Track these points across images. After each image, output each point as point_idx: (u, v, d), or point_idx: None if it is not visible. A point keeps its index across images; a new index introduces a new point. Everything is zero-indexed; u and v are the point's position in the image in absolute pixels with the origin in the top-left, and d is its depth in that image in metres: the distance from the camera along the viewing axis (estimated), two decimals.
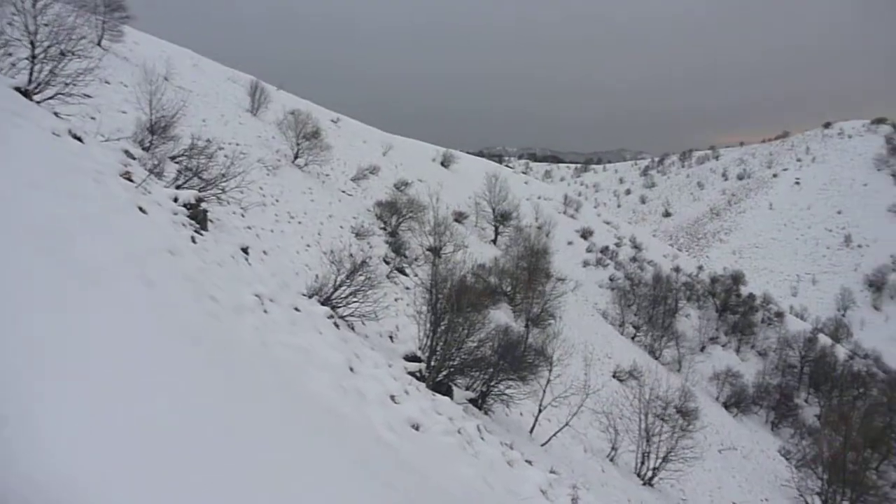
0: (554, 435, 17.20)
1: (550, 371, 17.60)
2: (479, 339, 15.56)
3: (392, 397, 9.13)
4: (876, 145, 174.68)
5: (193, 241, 9.29)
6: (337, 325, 11.62)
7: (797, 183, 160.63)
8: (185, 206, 10.46)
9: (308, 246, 20.68)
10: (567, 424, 18.13)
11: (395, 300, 20.16)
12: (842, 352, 66.56)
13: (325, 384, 7.58)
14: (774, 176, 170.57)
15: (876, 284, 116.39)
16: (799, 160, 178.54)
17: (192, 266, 7.76)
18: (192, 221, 10.22)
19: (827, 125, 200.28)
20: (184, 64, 40.59)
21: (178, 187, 12.26)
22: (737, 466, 31.60)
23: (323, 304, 12.90)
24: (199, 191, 12.81)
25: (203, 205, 11.30)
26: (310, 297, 12.99)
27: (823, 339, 66.31)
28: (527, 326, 29.03)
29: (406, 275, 24.93)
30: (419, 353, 14.99)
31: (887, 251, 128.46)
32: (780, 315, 69.71)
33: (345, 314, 13.47)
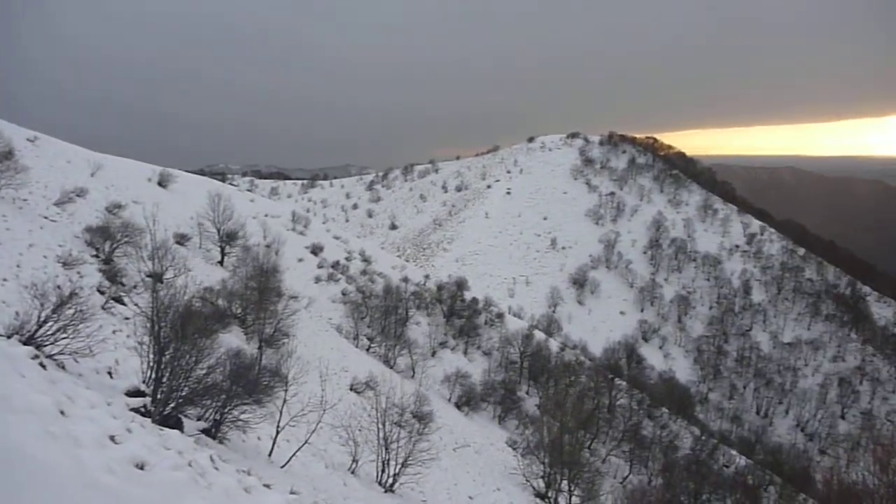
0: (293, 455, 16.93)
1: (286, 391, 17.29)
2: (208, 366, 14.83)
3: (112, 437, 8.40)
4: (572, 157, 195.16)
5: None
6: (44, 366, 10.47)
7: (508, 193, 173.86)
8: None
9: (5, 280, 18.41)
10: (306, 442, 17.95)
11: (113, 332, 18.62)
12: (554, 345, 73.04)
13: (30, 433, 6.78)
14: (489, 187, 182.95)
15: (579, 282, 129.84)
16: (509, 172, 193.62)
17: None
18: None
19: (531, 139, 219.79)
20: None
21: None
22: (470, 462, 33.35)
23: (25, 343, 11.54)
24: None
25: None
26: (8, 337, 11.57)
27: (539, 335, 72.20)
28: (260, 348, 28.30)
29: (124, 304, 23.12)
30: (143, 387, 13.95)
31: (586, 251, 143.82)
32: (500, 316, 74.81)
33: (53, 353, 12.16)
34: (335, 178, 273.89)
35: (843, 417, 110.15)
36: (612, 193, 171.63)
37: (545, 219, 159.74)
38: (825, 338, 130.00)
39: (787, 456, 77.38)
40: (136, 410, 11.75)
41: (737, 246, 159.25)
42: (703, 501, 41.66)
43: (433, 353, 57.60)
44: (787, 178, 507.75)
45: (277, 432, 17.22)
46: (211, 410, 15.41)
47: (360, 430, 21.21)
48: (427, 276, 78.75)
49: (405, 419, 25.76)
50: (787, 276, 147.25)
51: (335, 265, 64.60)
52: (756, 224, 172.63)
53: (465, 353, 62.54)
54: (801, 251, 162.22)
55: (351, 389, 32.32)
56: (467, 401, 46.88)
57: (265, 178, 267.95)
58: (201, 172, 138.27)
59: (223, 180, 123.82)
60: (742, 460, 60.51)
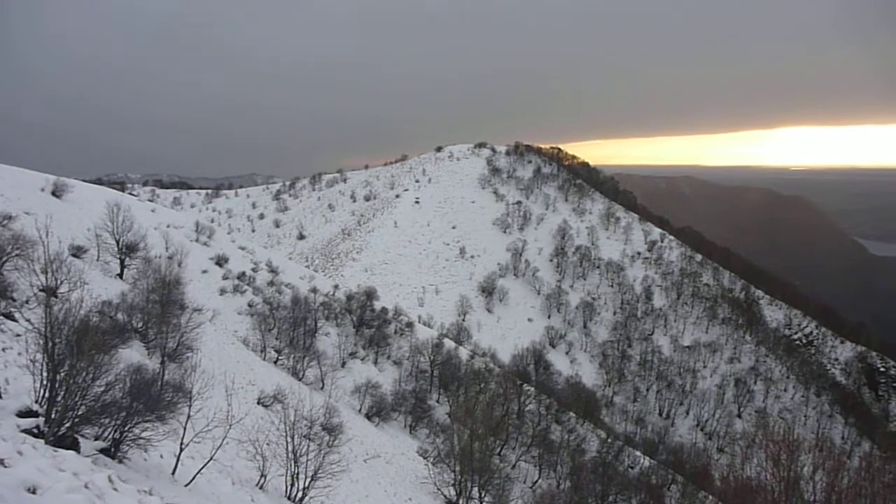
0: (198, 472, 16.46)
1: (190, 406, 16.79)
2: (107, 383, 14.25)
3: (1, 461, 7.98)
4: (479, 167, 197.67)
5: None
6: None
7: (417, 202, 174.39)
8: None
9: None
10: (212, 459, 17.47)
11: (3, 350, 17.71)
12: (464, 353, 73.60)
13: None
14: (397, 196, 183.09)
15: (487, 290, 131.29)
16: (417, 181, 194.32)
17: None
18: None
19: (439, 149, 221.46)
20: None
21: None
22: (382, 472, 33.21)
23: None
24: None
25: None
26: None
27: (449, 343, 72.62)
28: (162, 363, 27.38)
29: (15, 320, 21.98)
30: (36, 407, 13.29)
31: (494, 259, 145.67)
32: (410, 325, 74.87)
33: None
34: (240, 187, 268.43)
35: (739, 416, 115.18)
36: (519, 202, 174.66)
37: (454, 227, 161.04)
38: (722, 340, 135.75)
39: (688, 455, 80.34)
40: (27, 432, 11.19)
41: (638, 253, 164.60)
42: (609, 503, 42.78)
43: (343, 364, 57.09)
44: (684, 188, 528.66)
45: (181, 449, 16.69)
46: (110, 429, 14.79)
47: (268, 444, 20.81)
48: (336, 286, 78.04)
49: (315, 432, 25.42)
50: (685, 281, 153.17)
51: (241, 276, 63.23)
52: (656, 232, 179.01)
53: (376, 363, 62.25)
54: (699, 257, 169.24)
55: (258, 403, 31.65)
56: (378, 411, 46.65)
57: (167, 188, 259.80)
58: (99, 182, 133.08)
59: (122, 190, 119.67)
60: (646, 461, 62.46)
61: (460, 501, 31.71)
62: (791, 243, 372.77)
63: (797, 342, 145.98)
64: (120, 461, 14.73)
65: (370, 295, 74.57)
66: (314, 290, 68.90)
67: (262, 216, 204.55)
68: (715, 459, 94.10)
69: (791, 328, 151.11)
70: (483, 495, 31.26)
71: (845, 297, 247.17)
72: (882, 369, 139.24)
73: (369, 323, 68.14)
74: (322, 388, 46.35)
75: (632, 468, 58.00)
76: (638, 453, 65.77)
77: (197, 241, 66.97)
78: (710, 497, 48.05)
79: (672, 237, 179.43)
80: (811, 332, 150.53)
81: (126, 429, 14.99)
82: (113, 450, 14.78)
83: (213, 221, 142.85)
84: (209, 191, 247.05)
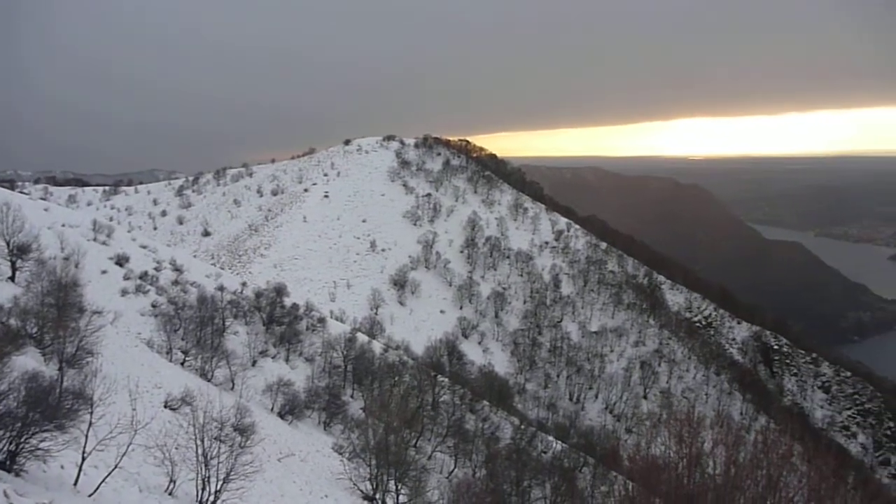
0: (102, 482, 15.83)
1: (92, 413, 16.13)
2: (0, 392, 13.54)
3: None
4: (388, 160, 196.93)
5: None
6: None
7: (326, 196, 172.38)
8: None
9: None
10: (117, 466, 16.84)
11: None
12: (378, 346, 73.32)
13: None
14: (305, 191, 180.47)
15: (399, 283, 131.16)
16: (326, 175, 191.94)
17: None
18: None
19: (347, 142, 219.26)
20: None
21: None
22: (296, 471, 32.79)
23: None
24: None
25: None
26: None
27: (362, 338, 72.20)
28: (60, 369, 26.18)
29: None
30: None
31: (405, 252, 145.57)
32: (322, 321, 73.99)
33: None
34: (141, 183, 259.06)
35: (645, 397, 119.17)
36: (429, 195, 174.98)
37: (364, 221, 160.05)
38: (627, 325, 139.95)
39: (597, 437, 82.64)
40: None
41: (546, 242, 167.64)
42: (524, 488, 43.60)
43: (253, 363, 55.98)
44: (589, 178, 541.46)
45: (83, 459, 16.01)
46: (4, 441, 14.06)
47: (176, 448, 20.19)
48: (244, 284, 76.32)
49: (226, 433, 24.82)
50: (591, 269, 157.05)
51: (143, 276, 61.08)
52: (563, 221, 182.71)
53: (287, 360, 61.28)
54: (604, 245, 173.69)
55: (165, 406, 30.69)
56: (291, 409, 45.98)
57: (61, 186, 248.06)
58: None
59: (12, 188, 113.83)
60: (558, 445, 63.86)
61: (377, 496, 31.68)
62: (691, 230, 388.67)
63: (697, 324, 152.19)
64: (17, 474, 14.02)
65: (280, 291, 73.26)
66: (221, 288, 67.15)
67: (164, 213, 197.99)
68: (623, 440, 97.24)
69: (691, 311, 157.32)
70: (400, 488, 31.30)
71: (741, 279, 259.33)
72: (776, 347, 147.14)
73: (279, 320, 67.01)
74: (232, 388, 45.39)
75: (545, 453, 59.18)
76: (550, 438, 67.17)
77: (95, 240, 64.33)
78: (620, 477, 49.59)
79: (578, 226, 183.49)
80: (710, 315, 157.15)
81: (22, 440, 14.28)
82: (8, 462, 14.05)
83: (111, 220, 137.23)
84: (107, 188, 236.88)
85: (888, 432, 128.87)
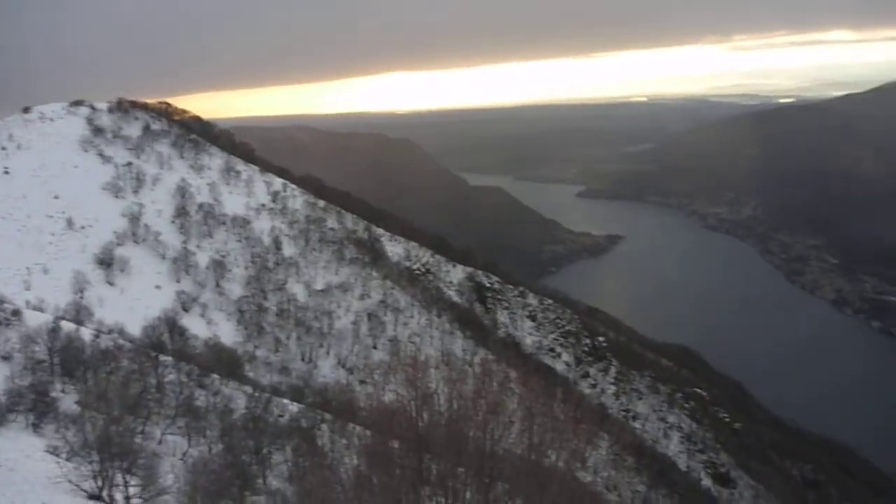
0: None
1: None
2: None
3: None
4: (78, 127, 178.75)
5: None
6: None
7: (7, 172, 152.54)
8: None
9: None
10: None
11: None
12: (87, 333, 67.59)
13: None
14: None
15: (105, 262, 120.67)
16: (4, 148, 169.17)
17: None
18: None
19: (27, 110, 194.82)
20: None
21: None
22: (5, 483, 29.51)
23: None
24: None
25: None
26: None
27: (68, 326, 66.03)
28: None
29: None
30: None
31: (110, 228, 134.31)
32: (17, 313, 66.27)
33: None
34: None
35: (375, 347, 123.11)
36: (130, 163, 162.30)
37: (56, 198, 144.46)
38: (352, 280, 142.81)
39: (332, 393, 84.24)
40: None
41: (263, 205, 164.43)
42: (264, 455, 43.36)
43: None
44: (300, 137, 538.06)
45: None
46: None
47: None
48: None
49: None
50: (312, 228, 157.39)
51: None
52: (278, 182, 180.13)
53: None
54: (322, 203, 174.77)
55: None
56: None
57: None
58: None
59: None
60: (295, 407, 64.05)
61: (104, 493, 29.63)
62: (403, 182, 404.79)
63: (417, 272, 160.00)
64: None
65: None
66: None
67: None
68: (358, 392, 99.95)
69: (410, 260, 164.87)
70: (128, 480, 29.51)
71: (453, 224, 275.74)
72: (489, 285, 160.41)
73: None
74: None
75: (281, 416, 59.05)
76: (286, 401, 67.06)
77: None
78: (358, 427, 51.10)
79: (294, 186, 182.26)
80: (428, 261, 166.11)
81: None
82: None
83: None
84: None
85: (585, 348, 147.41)
